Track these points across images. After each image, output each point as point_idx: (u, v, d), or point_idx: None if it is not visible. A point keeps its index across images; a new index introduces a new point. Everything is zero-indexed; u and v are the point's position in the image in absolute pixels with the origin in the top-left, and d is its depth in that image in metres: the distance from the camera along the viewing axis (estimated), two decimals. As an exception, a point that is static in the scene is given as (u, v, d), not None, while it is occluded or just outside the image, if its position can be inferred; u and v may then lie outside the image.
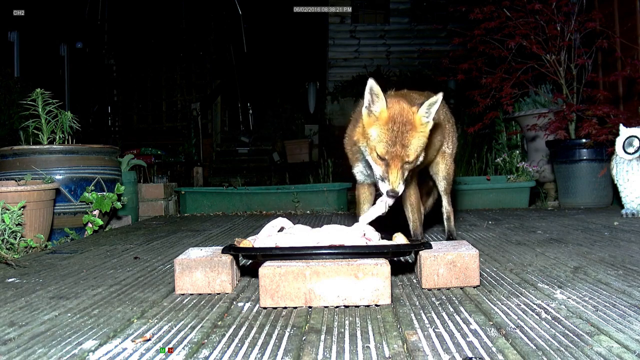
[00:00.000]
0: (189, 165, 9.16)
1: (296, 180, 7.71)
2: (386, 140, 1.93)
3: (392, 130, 1.92)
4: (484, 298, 1.65)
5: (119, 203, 3.79)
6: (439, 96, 1.97)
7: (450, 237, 2.68)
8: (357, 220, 2.08)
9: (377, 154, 1.95)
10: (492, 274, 2.01)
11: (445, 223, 2.74)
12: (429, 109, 1.98)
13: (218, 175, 9.54)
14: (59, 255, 2.75)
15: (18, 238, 2.84)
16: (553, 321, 1.39)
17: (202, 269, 1.79)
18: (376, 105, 1.97)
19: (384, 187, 1.95)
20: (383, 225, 2.08)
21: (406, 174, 1.98)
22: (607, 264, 2.10)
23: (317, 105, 12.15)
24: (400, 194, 1.94)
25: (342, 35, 12.27)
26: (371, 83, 1.96)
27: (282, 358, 1.19)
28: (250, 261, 2.23)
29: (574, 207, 4.74)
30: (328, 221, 3.93)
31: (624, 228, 3.19)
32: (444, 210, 2.75)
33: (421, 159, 2.05)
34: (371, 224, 2.00)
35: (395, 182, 1.92)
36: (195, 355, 1.22)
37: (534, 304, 1.56)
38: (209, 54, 11.12)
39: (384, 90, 2.05)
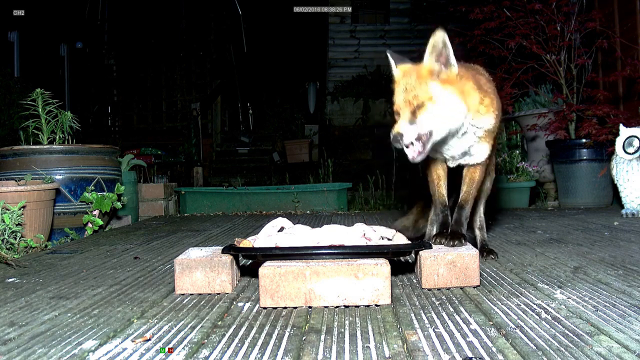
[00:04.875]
0: (189, 165, 9.15)
1: (296, 180, 7.71)
2: (396, 94, 1.83)
3: (400, 84, 1.84)
4: (484, 298, 1.65)
5: (119, 203, 3.78)
6: (439, 33, 1.76)
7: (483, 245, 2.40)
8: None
9: (392, 113, 1.86)
10: (492, 274, 2.01)
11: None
12: (433, 53, 1.79)
13: (218, 175, 9.53)
14: (59, 255, 2.75)
15: (18, 238, 2.84)
16: (553, 321, 1.39)
17: (202, 269, 1.79)
18: (393, 72, 1.90)
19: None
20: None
21: (424, 122, 1.75)
22: (607, 264, 2.10)
23: (317, 105, 12.14)
24: (402, 134, 1.74)
25: (342, 35, 12.26)
26: (388, 53, 1.92)
27: (282, 358, 1.19)
28: (250, 261, 2.23)
29: (574, 207, 4.74)
30: (328, 221, 3.93)
31: (624, 228, 3.19)
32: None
33: (447, 115, 1.79)
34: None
35: (397, 126, 1.76)
36: (195, 355, 1.22)
37: (534, 304, 1.56)
38: (209, 54, 11.11)
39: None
